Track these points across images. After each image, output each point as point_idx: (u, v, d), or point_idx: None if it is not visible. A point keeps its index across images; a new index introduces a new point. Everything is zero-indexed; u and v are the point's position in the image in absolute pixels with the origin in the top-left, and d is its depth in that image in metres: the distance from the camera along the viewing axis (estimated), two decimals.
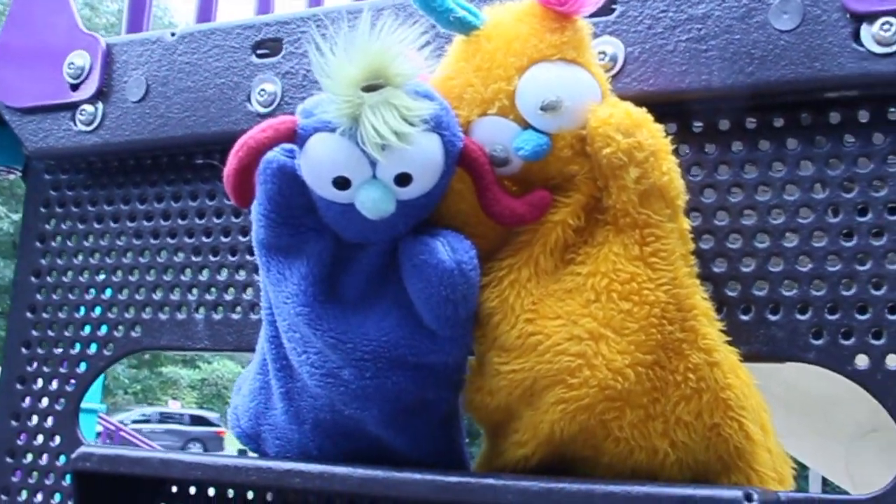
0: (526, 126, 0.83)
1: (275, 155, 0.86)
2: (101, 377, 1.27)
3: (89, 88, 1.21)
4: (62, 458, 1.22)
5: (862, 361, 0.87)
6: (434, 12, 0.84)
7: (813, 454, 2.81)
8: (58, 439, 1.24)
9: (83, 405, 1.28)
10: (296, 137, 0.83)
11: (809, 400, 2.13)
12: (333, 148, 0.81)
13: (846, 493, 2.89)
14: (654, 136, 0.82)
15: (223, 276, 1.17)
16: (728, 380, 0.84)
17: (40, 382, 1.26)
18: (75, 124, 1.22)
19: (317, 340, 0.87)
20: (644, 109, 0.84)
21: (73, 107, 1.23)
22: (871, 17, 0.86)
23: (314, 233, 0.88)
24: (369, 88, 0.78)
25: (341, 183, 0.82)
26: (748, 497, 0.77)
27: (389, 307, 0.87)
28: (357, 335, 0.86)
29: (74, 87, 1.23)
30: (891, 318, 0.87)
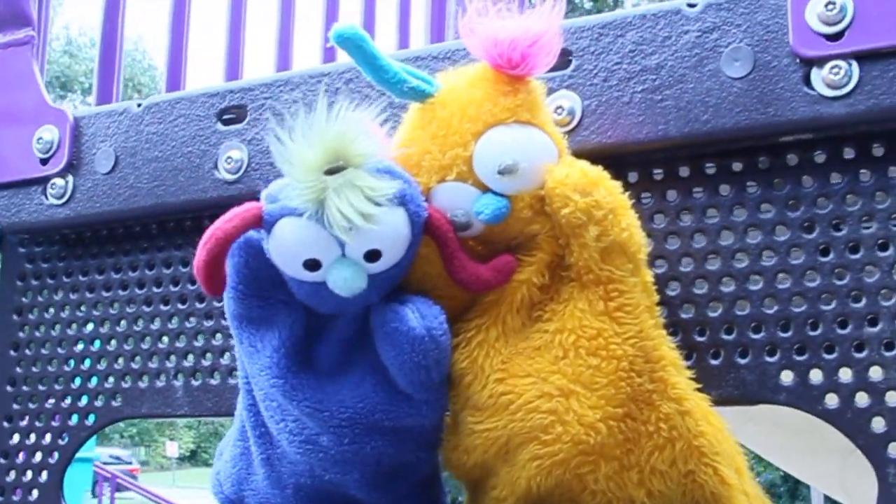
0: (485, 190, 0.84)
1: None
2: None
3: (59, 162, 1.22)
4: None
5: (832, 400, 0.89)
6: (387, 84, 0.85)
7: (808, 471, 2.81)
8: None
9: (77, 454, 1.27)
10: (262, 223, 0.83)
11: (800, 417, 2.13)
12: (301, 232, 0.81)
13: None
14: (611, 193, 0.83)
15: (200, 341, 1.18)
16: (700, 427, 0.84)
17: (22, 456, 1.26)
18: (47, 198, 1.23)
19: (294, 409, 0.88)
20: (600, 167, 0.85)
21: (43, 181, 1.24)
22: (820, 62, 0.88)
23: (284, 305, 0.88)
24: (331, 171, 0.79)
25: (312, 265, 0.82)
26: None
27: (364, 373, 0.88)
28: (333, 403, 0.87)
29: (44, 162, 1.24)
30: (857, 356, 0.88)
